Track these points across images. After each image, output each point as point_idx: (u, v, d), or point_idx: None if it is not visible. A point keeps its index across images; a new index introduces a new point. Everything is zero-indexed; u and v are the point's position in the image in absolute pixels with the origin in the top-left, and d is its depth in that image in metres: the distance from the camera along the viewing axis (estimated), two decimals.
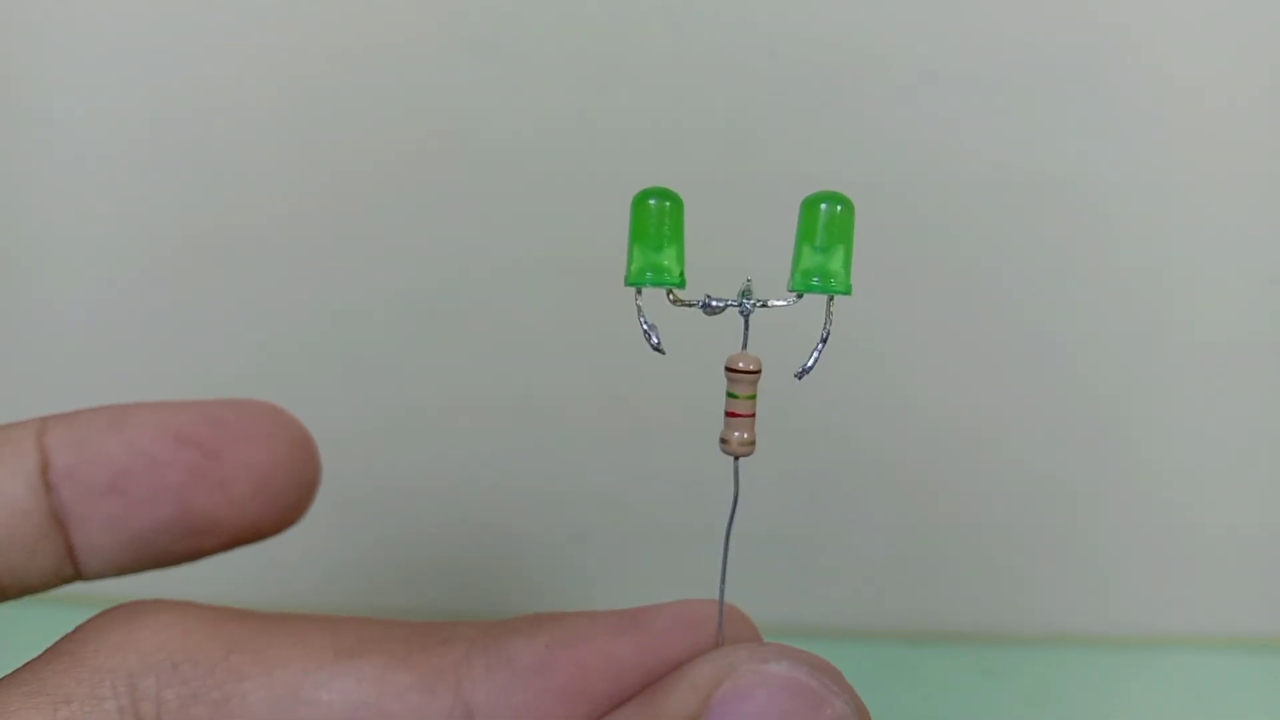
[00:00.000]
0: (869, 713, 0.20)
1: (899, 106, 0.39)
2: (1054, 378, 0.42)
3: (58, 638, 0.21)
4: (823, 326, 0.20)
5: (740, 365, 0.20)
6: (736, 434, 0.20)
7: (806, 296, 0.20)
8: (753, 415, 0.20)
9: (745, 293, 0.20)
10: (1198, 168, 0.39)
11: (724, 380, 0.20)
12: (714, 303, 0.20)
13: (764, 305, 0.20)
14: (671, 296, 0.20)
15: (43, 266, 0.42)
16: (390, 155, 0.40)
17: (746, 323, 0.20)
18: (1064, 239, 0.40)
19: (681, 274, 0.20)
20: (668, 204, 0.20)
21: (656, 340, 0.20)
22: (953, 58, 0.38)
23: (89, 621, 0.21)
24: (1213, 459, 0.43)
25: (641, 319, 0.20)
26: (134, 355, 0.43)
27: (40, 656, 0.21)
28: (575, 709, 0.20)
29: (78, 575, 0.23)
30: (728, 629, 0.21)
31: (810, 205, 0.20)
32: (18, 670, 0.20)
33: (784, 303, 0.20)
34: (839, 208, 0.20)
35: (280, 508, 0.23)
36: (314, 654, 0.20)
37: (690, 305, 0.20)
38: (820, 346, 0.20)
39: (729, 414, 0.20)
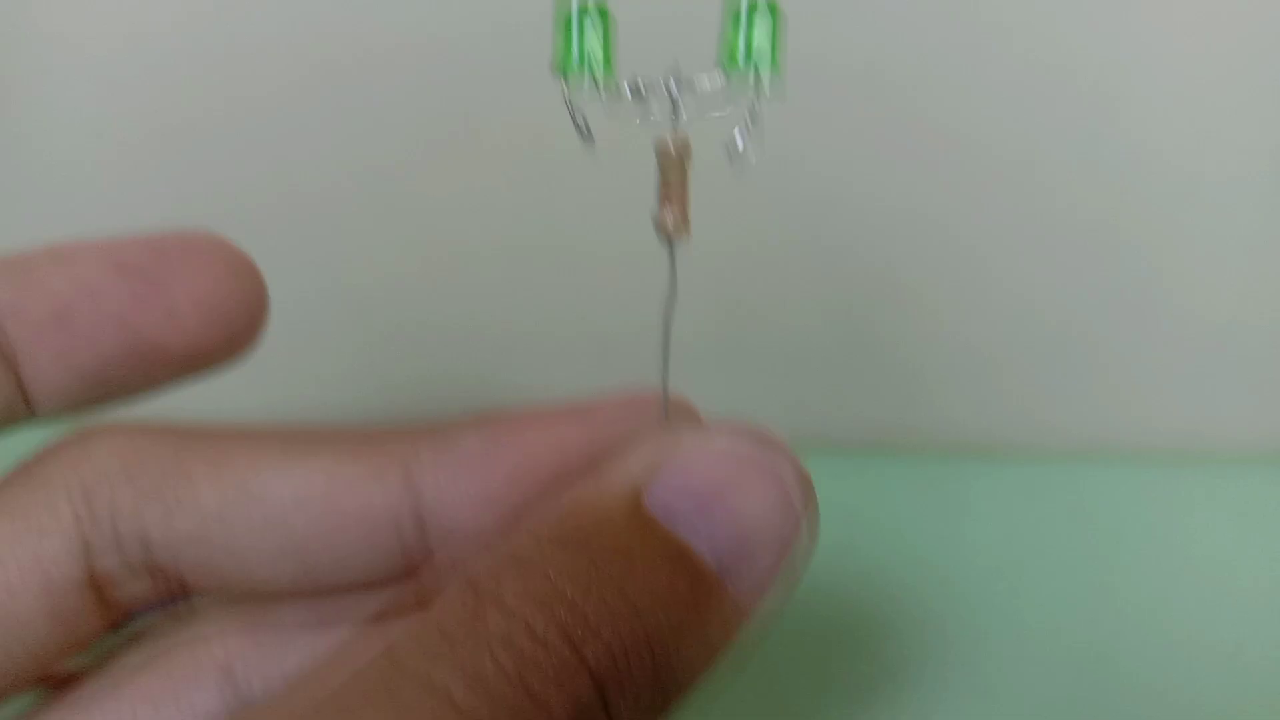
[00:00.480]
0: (811, 481, 0.20)
1: None
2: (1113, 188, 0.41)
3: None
4: (751, 105, 0.20)
5: (671, 146, 0.20)
6: (670, 215, 0.20)
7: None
8: (685, 197, 0.20)
9: (673, 75, 0.20)
10: None
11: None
12: (644, 85, 0.20)
13: (690, 83, 0.20)
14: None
15: None
16: None
17: (675, 105, 0.20)
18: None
19: (609, 60, 0.20)
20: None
21: (584, 122, 0.20)
22: None
23: (48, 444, 0.21)
24: (1244, 258, 0.42)
25: (567, 103, 0.20)
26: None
27: (4, 476, 0.21)
28: (522, 487, 0.20)
29: (31, 413, 0.23)
30: (673, 417, 0.21)
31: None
32: None
33: (712, 83, 0.20)
34: None
35: (228, 333, 0.23)
36: (262, 453, 0.21)
37: (614, 91, 0.20)
38: (748, 126, 0.20)
39: (663, 198, 0.20)
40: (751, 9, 0.20)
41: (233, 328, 0.23)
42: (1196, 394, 0.44)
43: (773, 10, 0.20)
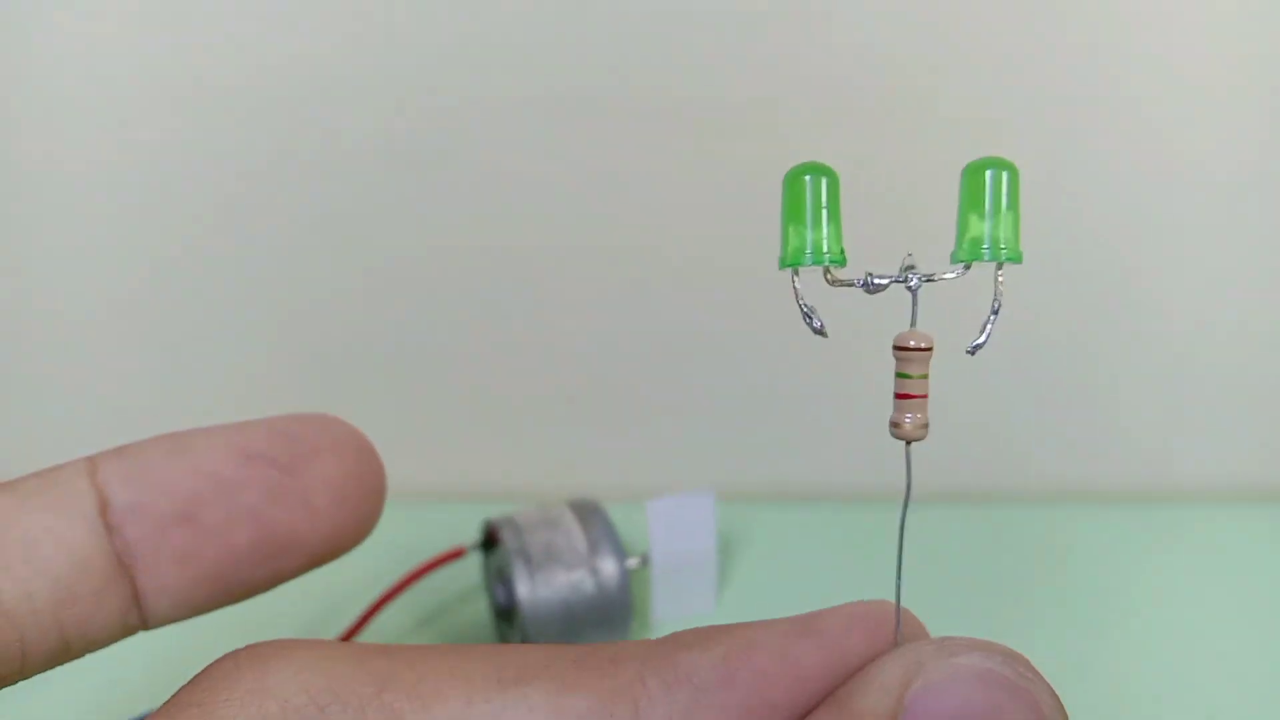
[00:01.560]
0: (1062, 703, 0.19)
1: None
2: (1057, 228, 0.41)
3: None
4: (994, 298, 0.19)
5: (912, 343, 0.19)
6: (909, 416, 0.19)
7: (974, 266, 0.19)
8: (926, 396, 0.19)
9: (909, 268, 0.19)
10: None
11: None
12: (877, 279, 0.19)
13: (930, 279, 0.19)
14: (829, 277, 0.19)
15: None
16: None
17: (915, 298, 0.19)
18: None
19: (841, 251, 0.19)
20: (825, 179, 0.19)
21: (819, 324, 0.19)
22: None
23: (210, 667, 0.19)
24: (1214, 307, 0.43)
25: (800, 301, 0.19)
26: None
27: (160, 710, 0.19)
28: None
29: (143, 624, 0.21)
30: (904, 631, 0.20)
31: (974, 172, 0.19)
32: None
33: (952, 274, 0.19)
34: (1005, 173, 0.19)
35: (358, 518, 0.21)
36: (475, 684, 0.19)
37: (850, 285, 0.19)
38: (992, 318, 0.19)
39: (899, 395, 0.19)
40: (996, 200, 0.18)
41: (361, 513, 0.21)
42: (1162, 436, 0.45)
43: (1012, 172, 0.19)
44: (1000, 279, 0.19)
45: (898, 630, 0.19)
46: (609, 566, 0.37)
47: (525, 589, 0.36)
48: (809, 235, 0.19)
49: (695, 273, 0.41)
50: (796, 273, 0.19)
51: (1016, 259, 0.19)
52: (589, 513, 0.38)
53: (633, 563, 0.38)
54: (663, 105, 0.40)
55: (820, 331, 0.19)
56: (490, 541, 0.39)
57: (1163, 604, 0.40)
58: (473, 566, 0.41)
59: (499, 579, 0.38)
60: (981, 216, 0.19)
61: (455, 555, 0.39)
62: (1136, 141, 0.40)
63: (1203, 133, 0.40)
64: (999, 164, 0.19)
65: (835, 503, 0.45)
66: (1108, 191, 0.41)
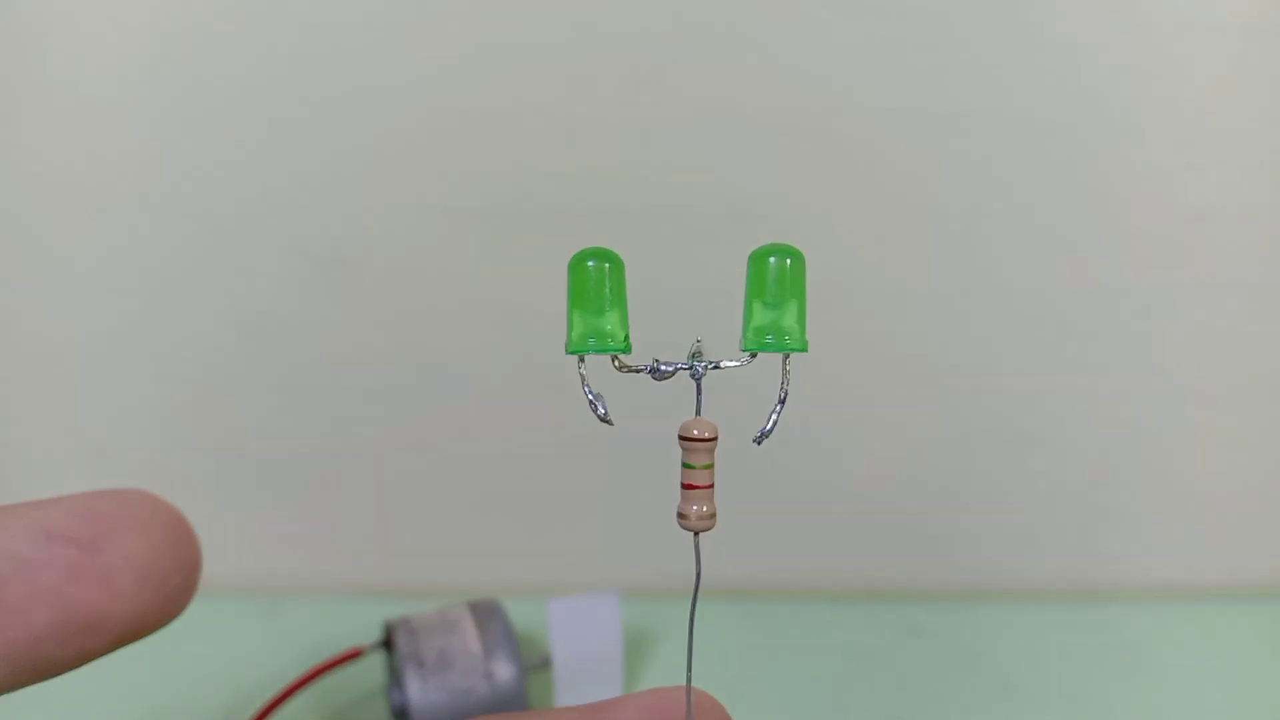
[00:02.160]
0: None
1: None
2: (985, 321, 0.41)
3: None
4: (780, 387, 0.19)
5: (695, 433, 0.18)
6: (695, 508, 0.19)
7: (760, 355, 0.19)
8: (711, 486, 0.19)
9: (696, 354, 0.19)
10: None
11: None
12: (663, 367, 0.19)
13: (716, 367, 0.19)
14: (617, 363, 0.19)
15: None
16: (289, 103, 0.40)
17: (699, 387, 0.19)
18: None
19: (626, 338, 0.19)
20: (607, 265, 0.19)
21: (604, 410, 0.19)
22: None
23: None
24: (1147, 406, 0.42)
25: (586, 388, 0.19)
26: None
27: None
28: None
29: None
30: (697, 716, 0.19)
31: (758, 259, 0.19)
32: None
33: (737, 363, 0.19)
34: (789, 260, 0.19)
35: (165, 596, 0.21)
36: None
37: (637, 371, 0.19)
38: (779, 408, 0.19)
39: (686, 486, 0.19)
40: (781, 287, 0.18)
41: (170, 592, 0.21)
42: (1088, 536, 0.44)
43: (796, 258, 0.19)
44: (787, 368, 0.19)
45: (690, 717, 0.19)
46: (504, 671, 0.36)
47: (417, 693, 0.36)
48: (593, 322, 0.19)
49: (594, 369, 0.41)
50: (582, 360, 0.19)
51: (801, 348, 0.19)
52: (487, 614, 0.37)
53: (533, 664, 0.38)
54: (559, 212, 0.40)
55: (605, 419, 0.19)
56: (390, 642, 0.38)
57: (1085, 704, 0.39)
58: (376, 665, 0.41)
59: (394, 681, 0.37)
60: (765, 305, 0.19)
61: (353, 655, 0.38)
62: (1067, 242, 0.41)
63: (1130, 231, 0.41)
64: (783, 251, 0.19)
65: (748, 600, 0.44)
66: (1024, 293, 0.41)
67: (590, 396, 0.19)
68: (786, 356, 0.19)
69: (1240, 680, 0.40)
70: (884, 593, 0.44)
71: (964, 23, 0.38)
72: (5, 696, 0.20)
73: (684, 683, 0.19)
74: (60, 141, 0.40)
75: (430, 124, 0.40)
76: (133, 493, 0.21)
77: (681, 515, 0.19)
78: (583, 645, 0.38)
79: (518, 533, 0.45)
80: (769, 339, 0.19)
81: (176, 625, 0.40)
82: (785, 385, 0.19)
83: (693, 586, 0.19)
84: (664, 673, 0.41)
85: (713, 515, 0.19)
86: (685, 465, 0.19)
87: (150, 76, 0.40)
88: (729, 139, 0.40)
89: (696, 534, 0.19)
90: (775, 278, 0.18)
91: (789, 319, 0.19)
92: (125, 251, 0.42)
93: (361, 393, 0.43)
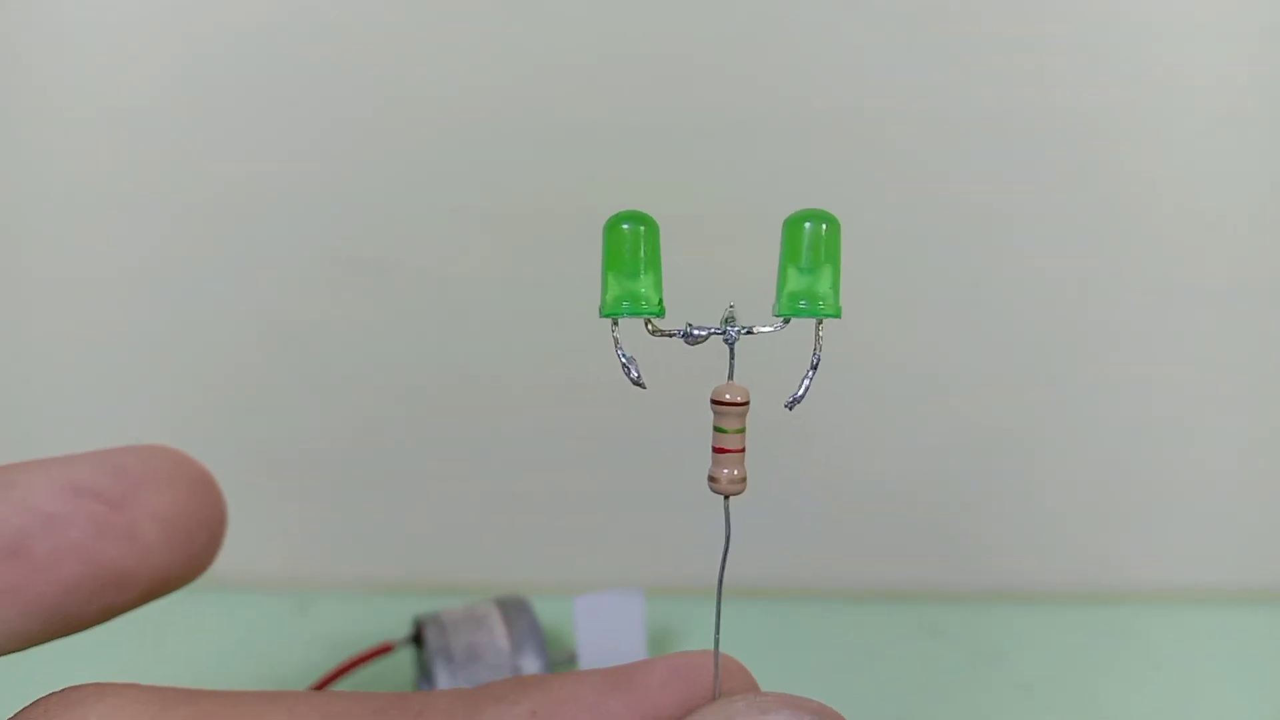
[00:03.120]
0: None
1: None
2: (1003, 325, 0.41)
3: None
4: (813, 352, 0.19)
5: (727, 397, 0.19)
6: (726, 471, 0.19)
7: (794, 321, 0.19)
8: (742, 450, 0.19)
9: (729, 320, 0.19)
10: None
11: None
12: (696, 331, 0.19)
13: (749, 332, 0.19)
14: (650, 327, 0.19)
15: None
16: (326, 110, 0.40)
17: (732, 351, 0.19)
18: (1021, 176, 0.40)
19: (660, 302, 0.19)
20: (642, 228, 0.19)
21: (636, 374, 0.19)
22: None
23: (22, 711, 0.19)
24: (1163, 409, 0.42)
25: (619, 351, 0.19)
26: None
27: None
28: None
29: None
30: (724, 682, 0.19)
31: (793, 224, 0.19)
32: None
33: (770, 329, 0.19)
34: (824, 226, 0.19)
35: (191, 553, 0.21)
36: None
37: (670, 335, 0.19)
38: (811, 374, 0.19)
39: (717, 449, 0.19)
40: (815, 253, 0.18)
41: (195, 547, 0.21)
42: (1107, 537, 0.44)
43: (832, 224, 0.19)
44: (820, 333, 0.19)
45: (716, 684, 0.19)
46: (531, 666, 0.36)
47: (446, 687, 0.36)
48: (627, 285, 0.19)
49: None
50: (615, 323, 0.19)
51: (835, 314, 0.19)
52: (515, 610, 0.37)
53: (559, 660, 0.38)
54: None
55: (638, 383, 0.19)
56: (420, 637, 0.38)
57: (1101, 706, 0.39)
58: (407, 660, 0.41)
59: (425, 676, 0.37)
60: (800, 270, 0.19)
61: (384, 650, 0.38)
62: (1080, 246, 0.41)
63: (1140, 237, 0.41)
64: (819, 216, 0.19)
65: (769, 599, 0.44)
66: (1042, 299, 0.41)
67: (624, 360, 0.19)
68: (820, 322, 0.19)
69: (1258, 684, 0.40)
70: (903, 594, 0.44)
71: (978, 30, 0.38)
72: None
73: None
74: (95, 145, 0.41)
75: (462, 131, 0.40)
76: (158, 448, 0.21)
77: (712, 479, 0.19)
78: (607, 642, 0.38)
79: (545, 532, 0.45)
80: (802, 304, 0.19)
81: (209, 620, 0.40)
82: (818, 351, 0.19)
83: (721, 554, 0.19)
84: None
85: (743, 479, 0.19)
86: (717, 429, 0.19)
87: (188, 83, 0.40)
88: (755, 144, 0.40)
89: (727, 498, 0.19)
90: (810, 243, 0.19)
91: (823, 285, 0.19)
92: (160, 254, 0.42)
93: (392, 394, 0.43)
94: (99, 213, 0.42)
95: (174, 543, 0.20)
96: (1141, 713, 0.39)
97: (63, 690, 0.19)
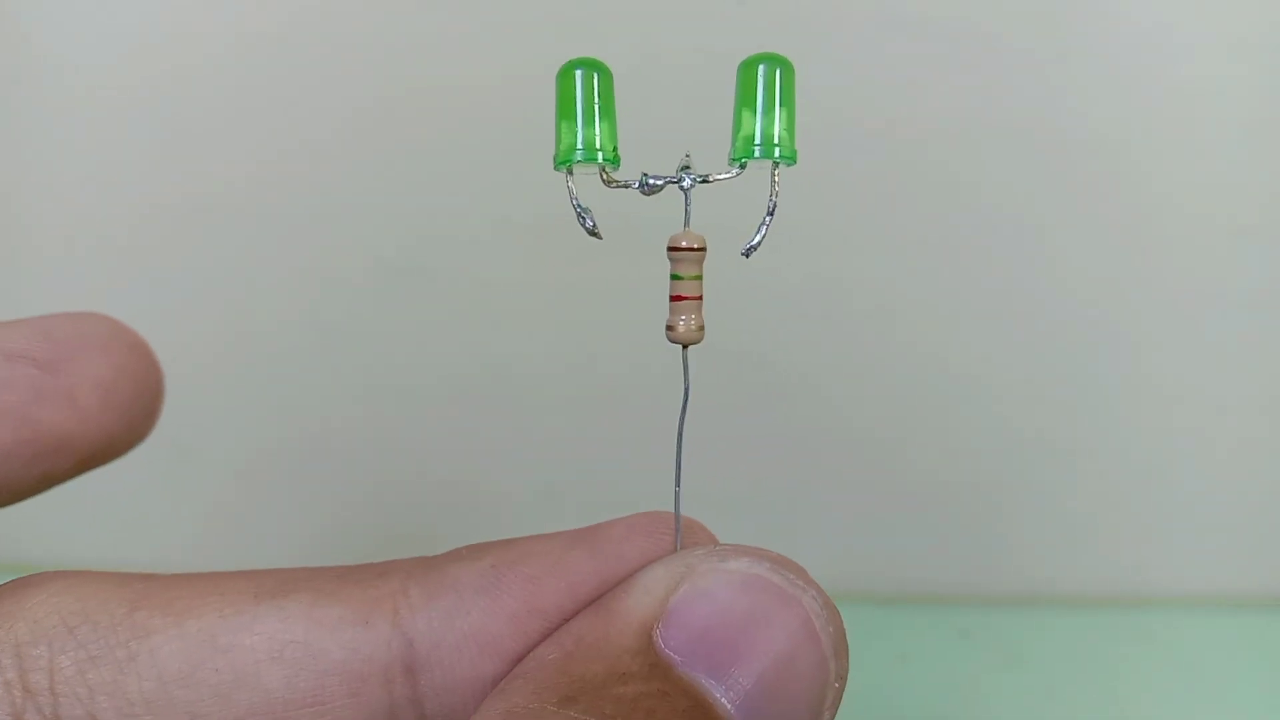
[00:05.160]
0: (837, 609, 0.18)
1: None
2: (1033, 333, 0.41)
3: None
4: (769, 198, 0.19)
5: (684, 244, 0.18)
6: (684, 319, 0.18)
7: (750, 167, 0.19)
8: (699, 298, 0.19)
9: (684, 168, 0.19)
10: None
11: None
12: (652, 180, 0.19)
13: (705, 180, 0.19)
14: (605, 176, 0.19)
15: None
16: (358, 114, 0.40)
17: (687, 198, 0.19)
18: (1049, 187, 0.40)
19: (615, 150, 0.19)
20: (596, 74, 0.18)
21: (591, 223, 0.19)
22: None
23: None
24: (1191, 416, 0.42)
25: (574, 201, 0.19)
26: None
27: None
28: (527, 628, 0.18)
29: None
30: (685, 538, 0.19)
31: (747, 67, 0.18)
32: None
33: (727, 175, 0.19)
34: (779, 69, 0.18)
35: (130, 418, 0.21)
36: (230, 599, 0.18)
37: (626, 186, 0.19)
38: (767, 220, 0.19)
39: (674, 298, 0.19)
40: (769, 96, 0.18)
41: (133, 413, 0.21)
42: (1138, 542, 0.44)
43: (786, 67, 0.18)
44: (776, 178, 0.19)
45: (677, 538, 0.19)
46: None
47: None
48: (582, 133, 0.18)
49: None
50: (570, 172, 0.19)
51: (791, 159, 0.18)
52: None
53: None
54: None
55: (593, 232, 0.19)
56: None
57: (1129, 710, 0.39)
58: None
59: None
60: (754, 113, 0.18)
61: None
62: (1110, 255, 0.41)
63: (1170, 246, 0.41)
64: (772, 59, 0.18)
65: None
66: (1077, 299, 0.41)
67: (579, 209, 0.19)
68: (776, 166, 0.19)
69: None
70: (935, 597, 0.44)
71: (1011, 46, 0.39)
72: None
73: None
74: (137, 148, 0.41)
75: (505, 140, 0.40)
76: (91, 315, 0.21)
77: (670, 328, 0.19)
78: None
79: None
80: (758, 148, 0.18)
81: None
82: (774, 197, 0.19)
83: (682, 399, 0.19)
84: None
85: (701, 328, 0.19)
86: (674, 277, 0.18)
87: (237, 86, 0.40)
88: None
89: (685, 347, 0.19)
90: (765, 85, 0.18)
91: (778, 127, 0.18)
92: (207, 258, 0.42)
93: (428, 395, 0.43)
94: (155, 216, 0.42)
95: (112, 407, 0.20)
96: (1170, 718, 0.39)
97: (14, 579, 0.19)
